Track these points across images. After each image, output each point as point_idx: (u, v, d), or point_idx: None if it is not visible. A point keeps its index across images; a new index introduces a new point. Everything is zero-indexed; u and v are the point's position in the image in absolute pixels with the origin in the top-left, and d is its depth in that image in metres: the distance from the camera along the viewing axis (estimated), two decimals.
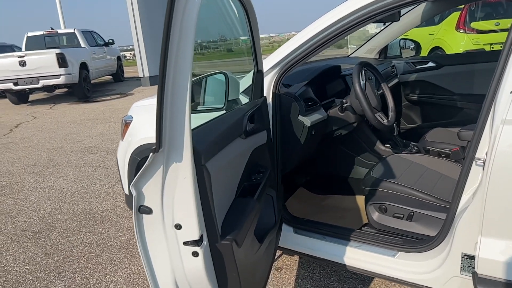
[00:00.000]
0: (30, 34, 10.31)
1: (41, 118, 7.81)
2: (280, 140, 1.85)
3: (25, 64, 8.73)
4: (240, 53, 1.89)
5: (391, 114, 2.25)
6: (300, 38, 1.67)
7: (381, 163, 2.00)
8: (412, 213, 1.69)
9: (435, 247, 1.49)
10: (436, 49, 7.68)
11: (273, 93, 1.82)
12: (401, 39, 3.33)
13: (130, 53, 30.01)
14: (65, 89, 10.34)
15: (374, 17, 1.55)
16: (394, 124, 2.42)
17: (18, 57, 8.75)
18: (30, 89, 9.10)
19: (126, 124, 2.14)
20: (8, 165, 4.70)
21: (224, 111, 1.53)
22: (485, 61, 2.86)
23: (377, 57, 3.20)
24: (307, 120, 1.92)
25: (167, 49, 0.91)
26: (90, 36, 11.10)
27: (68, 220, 3.05)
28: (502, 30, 7.35)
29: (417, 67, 3.11)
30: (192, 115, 1.00)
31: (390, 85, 2.98)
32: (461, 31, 7.26)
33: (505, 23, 7.43)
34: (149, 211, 1.03)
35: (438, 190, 1.75)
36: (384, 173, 1.89)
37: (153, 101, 2.13)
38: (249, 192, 1.35)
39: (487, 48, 6.81)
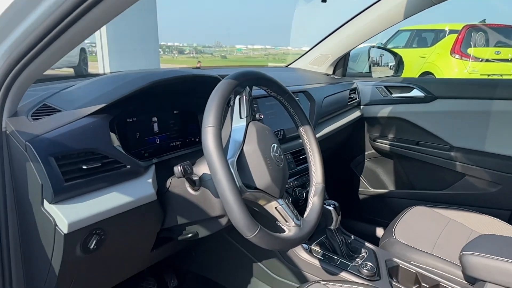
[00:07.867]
0: None
1: None
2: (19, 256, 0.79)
3: None
4: None
5: (312, 203, 0.96)
6: None
7: None
8: None
9: None
10: (426, 74, 6.61)
11: None
12: (373, 47, 2.11)
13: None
14: None
15: None
16: (332, 210, 1.15)
17: None
18: None
19: None
20: None
21: None
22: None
23: (331, 72, 1.97)
24: (60, 217, 0.73)
25: None
26: None
27: None
28: (502, 60, 6.39)
29: (394, 95, 1.89)
30: None
31: (347, 120, 1.76)
32: (456, 57, 6.23)
33: (506, 52, 6.49)
34: None
35: None
36: None
37: None
38: None
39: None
